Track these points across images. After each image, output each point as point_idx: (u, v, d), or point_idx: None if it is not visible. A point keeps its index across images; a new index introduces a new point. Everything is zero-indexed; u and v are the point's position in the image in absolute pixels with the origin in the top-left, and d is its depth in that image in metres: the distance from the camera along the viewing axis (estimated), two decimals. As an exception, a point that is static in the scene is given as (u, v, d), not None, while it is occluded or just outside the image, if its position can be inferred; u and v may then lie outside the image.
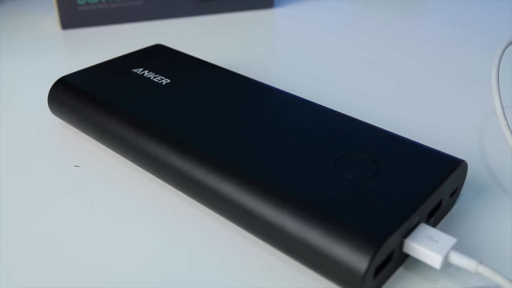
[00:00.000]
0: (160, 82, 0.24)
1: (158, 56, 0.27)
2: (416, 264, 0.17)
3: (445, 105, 0.28)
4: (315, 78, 0.30)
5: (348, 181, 0.18)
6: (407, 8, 0.44)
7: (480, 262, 0.16)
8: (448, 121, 0.26)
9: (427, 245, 0.16)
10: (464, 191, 0.21)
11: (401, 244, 0.16)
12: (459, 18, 0.41)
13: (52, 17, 0.39)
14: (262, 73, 0.31)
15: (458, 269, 0.17)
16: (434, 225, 0.19)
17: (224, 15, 0.40)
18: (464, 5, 0.44)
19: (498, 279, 0.16)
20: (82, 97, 0.23)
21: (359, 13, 0.42)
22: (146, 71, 0.25)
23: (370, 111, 0.27)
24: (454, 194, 0.19)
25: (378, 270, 0.16)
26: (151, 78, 0.24)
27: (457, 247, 0.18)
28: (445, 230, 0.19)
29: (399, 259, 0.17)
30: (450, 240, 0.17)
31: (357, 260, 0.15)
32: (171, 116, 0.21)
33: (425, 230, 0.17)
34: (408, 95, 0.29)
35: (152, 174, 0.21)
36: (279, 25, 0.39)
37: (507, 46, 0.24)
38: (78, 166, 0.22)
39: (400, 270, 0.17)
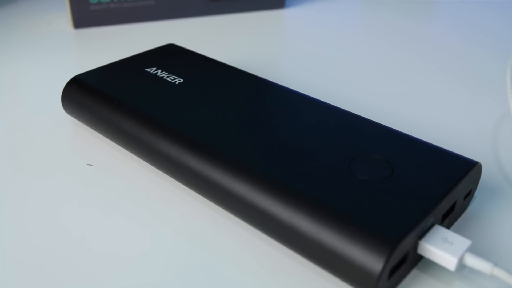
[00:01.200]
0: (173, 81, 0.24)
1: (170, 55, 0.27)
2: (430, 265, 0.17)
3: (458, 106, 0.28)
4: (326, 78, 0.30)
5: (362, 182, 0.17)
6: (417, 9, 0.43)
7: (495, 264, 0.16)
8: (461, 123, 0.26)
9: (442, 247, 0.16)
10: (477, 193, 0.21)
11: (415, 246, 0.16)
12: (470, 19, 0.41)
13: (65, 17, 0.39)
14: (272, 73, 0.31)
15: (472, 271, 0.17)
16: (448, 227, 0.19)
17: (235, 15, 0.40)
18: (475, 6, 0.44)
19: (513, 281, 0.15)
20: (96, 96, 0.23)
21: (370, 13, 0.42)
22: (159, 71, 0.25)
23: (382, 112, 0.27)
24: (468, 196, 0.19)
25: (393, 271, 0.16)
26: (164, 77, 0.24)
27: (471, 249, 0.18)
28: (459, 232, 0.19)
29: (413, 260, 0.17)
30: (465, 242, 0.16)
31: (372, 261, 0.15)
32: (184, 115, 0.21)
33: (439, 232, 0.17)
34: (420, 96, 0.29)
35: (165, 173, 0.21)
36: (290, 26, 0.39)
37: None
38: (92, 165, 0.22)
39: (414, 271, 0.17)
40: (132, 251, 0.18)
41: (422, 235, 0.16)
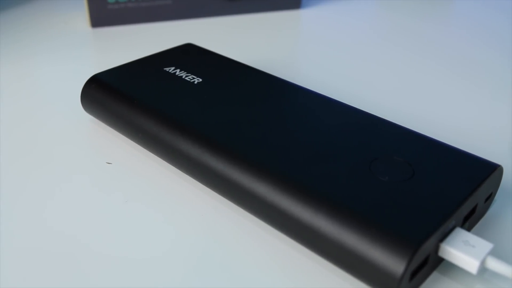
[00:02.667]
0: (192, 81, 0.24)
1: (189, 55, 0.27)
2: (450, 268, 0.17)
3: (479, 108, 0.27)
4: (342, 79, 0.30)
5: (383, 183, 0.17)
6: (433, 11, 0.43)
7: (518, 268, 0.16)
8: (482, 125, 0.26)
9: (463, 250, 0.16)
10: (498, 196, 0.21)
11: (436, 248, 0.16)
12: (486, 21, 0.41)
13: (82, 16, 0.39)
14: (288, 73, 0.31)
15: (494, 274, 0.17)
16: (468, 229, 0.18)
17: (252, 15, 0.40)
18: (491, 9, 0.44)
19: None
20: (115, 95, 0.23)
21: (386, 14, 0.42)
22: (178, 70, 0.25)
23: (401, 114, 0.27)
24: (489, 199, 0.19)
25: (414, 273, 0.16)
26: (183, 77, 0.24)
27: (492, 253, 0.18)
28: (479, 235, 0.19)
29: (434, 263, 0.17)
30: (487, 245, 0.16)
31: (394, 263, 0.15)
32: (204, 115, 0.21)
33: (461, 235, 0.17)
34: (439, 98, 0.28)
35: (185, 172, 0.21)
36: (306, 26, 0.39)
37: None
38: (111, 163, 0.22)
39: (434, 274, 0.17)
40: (152, 249, 0.18)
41: (443, 237, 0.16)
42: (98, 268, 0.17)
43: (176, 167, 0.21)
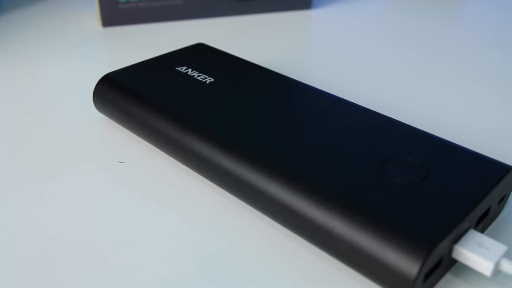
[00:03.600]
0: (204, 80, 0.24)
1: (200, 54, 0.27)
2: (463, 270, 0.17)
3: (491, 110, 0.27)
4: (352, 79, 0.30)
5: (397, 184, 0.17)
6: (444, 13, 0.43)
7: (532, 270, 0.16)
8: (495, 127, 0.26)
9: (478, 252, 0.16)
10: (511, 198, 0.20)
11: (450, 250, 0.16)
12: (496, 24, 0.40)
13: (93, 15, 0.39)
14: (299, 73, 0.31)
15: (507, 276, 0.17)
16: (481, 231, 0.18)
17: (262, 15, 0.40)
18: (502, 11, 0.43)
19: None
20: (128, 94, 0.23)
21: (397, 15, 0.42)
22: (190, 70, 0.25)
23: (412, 115, 0.26)
24: (502, 201, 0.19)
25: (428, 275, 0.16)
26: (195, 76, 0.24)
27: (506, 255, 0.18)
28: (492, 237, 0.19)
29: (447, 265, 0.17)
30: (501, 248, 0.16)
31: (408, 264, 0.15)
32: (216, 114, 0.21)
33: (475, 237, 0.17)
34: (451, 100, 0.28)
35: (197, 171, 0.21)
36: (316, 26, 0.39)
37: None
38: (123, 162, 0.22)
39: (447, 276, 0.17)
40: (164, 248, 0.18)
41: (457, 239, 0.16)
42: (111, 267, 0.17)
43: (188, 166, 0.21)
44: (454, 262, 0.17)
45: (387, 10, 0.43)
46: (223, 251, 0.18)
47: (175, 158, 0.22)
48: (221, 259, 0.17)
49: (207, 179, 0.21)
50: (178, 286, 0.16)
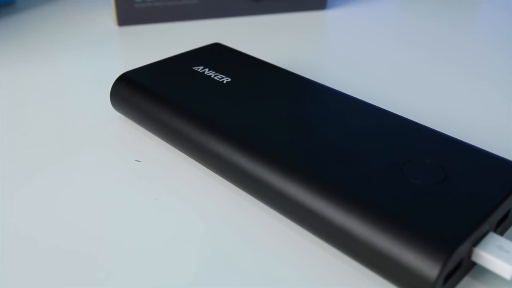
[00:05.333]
0: (221, 80, 0.24)
1: (217, 54, 0.27)
2: (482, 273, 0.17)
3: (508, 112, 0.27)
4: (367, 80, 0.30)
5: (416, 186, 0.17)
6: (459, 15, 0.43)
7: (553, 274, 0.16)
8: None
9: (498, 255, 0.16)
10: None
11: (469, 253, 0.16)
12: (510, 27, 0.40)
13: (109, 14, 0.40)
14: (314, 73, 0.31)
15: (527, 280, 0.17)
16: (501, 234, 0.18)
17: (276, 15, 0.40)
18: (521, 11, 0.43)
19: None
20: (146, 93, 0.23)
21: (412, 16, 0.42)
22: (207, 69, 0.25)
23: (429, 116, 0.26)
24: (522, 204, 0.19)
25: (448, 277, 0.15)
26: (212, 76, 0.24)
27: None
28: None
29: (466, 267, 0.17)
30: (522, 251, 0.16)
31: (428, 267, 0.15)
32: (234, 114, 0.21)
33: (494, 240, 0.16)
34: (468, 102, 0.28)
35: (214, 171, 0.21)
36: (331, 27, 0.39)
37: None
38: (140, 161, 0.22)
39: (466, 278, 0.17)
40: (181, 247, 0.18)
41: (477, 242, 0.16)
42: (128, 265, 0.17)
43: (205, 166, 0.21)
44: (473, 264, 0.17)
45: (401, 11, 0.43)
46: (240, 251, 0.18)
47: (192, 157, 0.22)
48: (238, 259, 0.18)
49: (225, 178, 0.21)
50: (194, 285, 0.16)
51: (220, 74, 0.25)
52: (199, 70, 0.25)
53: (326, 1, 0.42)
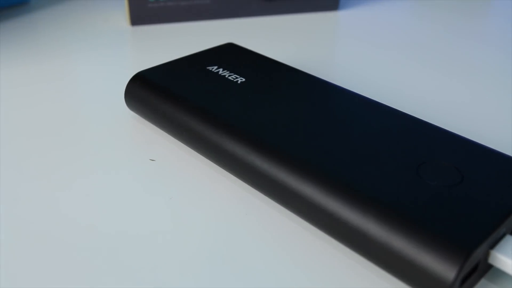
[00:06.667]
0: (235, 80, 0.24)
1: (231, 54, 0.27)
2: (499, 275, 0.17)
3: (520, 114, 0.27)
4: (381, 81, 0.30)
5: (432, 188, 0.17)
6: (472, 13, 0.43)
7: None
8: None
9: (515, 258, 0.16)
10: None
11: (486, 255, 0.16)
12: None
13: (122, 14, 0.40)
14: (326, 74, 0.30)
15: (544, 284, 0.17)
16: (517, 237, 0.18)
17: (289, 16, 0.40)
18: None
19: None
20: (160, 93, 0.23)
21: (424, 16, 0.42)
22: (221, 69, 0.25)
23: (443, 117, 0.26)
24: (538, 206, 0.19)
25: (464, 280, 0.15)
26: (226, 76, 0.24)
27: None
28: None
29: (483, 270, 0.17)
30: (539, 254, 0.16)
31: (446, 269, 0.15)
32: (249, 114, 0.21)
33: (511, 242, 0.16)
34: (482, 101, 0.28)
35: (229, 171, 0.21)
36: (344, 27, 0.39)
37: None
38: (154, 160, 0.22)
39: (482, 281, 0.17)
40: (195, 247, 0.18)
41: (493, 244, 0.16)
42: (143, 265, 0.17)
43: (220, 166, 0.21)
44: (489, 267, 0.17)
45: (413, 13, 0.43)
46: (254, 250, 0.18)
47: (206, 157, 0.22)
48: (252, 259, 0.18)
49: (240, 179, 0.21)
50: (208, 285, 0.17)
51: (234, 74, 0.25)
52: (213, 70, 0.25)
53: (338, 2, 0.42)
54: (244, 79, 0.24)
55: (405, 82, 0.30)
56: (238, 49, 0.28)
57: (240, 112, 0.21)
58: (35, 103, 0.27)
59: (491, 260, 0.16)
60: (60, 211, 0.19)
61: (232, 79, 0.24)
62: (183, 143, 0.23)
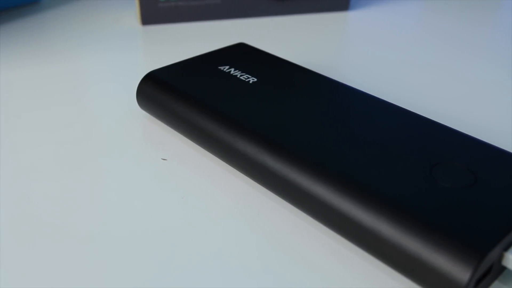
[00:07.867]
0: (247, 80, 0.24)
1: (242, 54, 0.27)
2: (511, 278, 0.17)
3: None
4: (391, 81, 0.30)
5: (445, 189, 0.17)
6: (483, 14, 0.42)
7: None
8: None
9: (529, 260, 0.16)
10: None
11: (500, 257, 0.16)
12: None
13: (133, 13, 0.40)
14: (336, 74, 0.30)
15: (558, 286, 0.17)
16: (530, 239, 0.18)
17: (299, 16, 0.40)
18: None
19: None
20: (172, 92, 0.23)
21: (435, 16, 0.41)
22: (232, 69, 0.25)
23: (454, 118, 0.26)
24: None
25: (478, 281, 0.15)
26: (238, 76, 0.24)
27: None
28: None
29: (496, 272, 0.16)
30: (553, 256, 0.16)
31: (460, 270, 0.15)
32: (261, 114, 0.21)
33: (525, 244, 0.16)
34: (495, 102, 0.28)
35: (241, 171, 0.21)
36: (354, 28, 0.39)
37: None
38: (166, 159, 0.22)
39: (496, 283, 0.17)
40: (208, 246, 0.18)
41: (507, 246, 0.16)
42: (156, 264, 0.17)
43: (232, 165, 0.21)
44: (503, 269, 0.17)
45: (424, 12, 0.43)
46: (266, 251, 0.18)
47: (218, 157, 0.22)
48: (265, 258, 0.18)
49: (252, 178, 0.21)
50: (219, 285, 0.17)
51: (246, 74, 0.25)
52: (224, 69, 0.25)
53: (349, 2, 0.42)
54: (256, 79, 0.24)
55: (415, 83, 0.30)
56: (249, 49, 0.28)
57: (252, 112, 0.21)
58: (47, 103, 0.27)
59: (504, 262, 0.16)
60: (73, 209, 0.20)
61: (244, 79, 0.24)
62: (194, 142, 0.23)
